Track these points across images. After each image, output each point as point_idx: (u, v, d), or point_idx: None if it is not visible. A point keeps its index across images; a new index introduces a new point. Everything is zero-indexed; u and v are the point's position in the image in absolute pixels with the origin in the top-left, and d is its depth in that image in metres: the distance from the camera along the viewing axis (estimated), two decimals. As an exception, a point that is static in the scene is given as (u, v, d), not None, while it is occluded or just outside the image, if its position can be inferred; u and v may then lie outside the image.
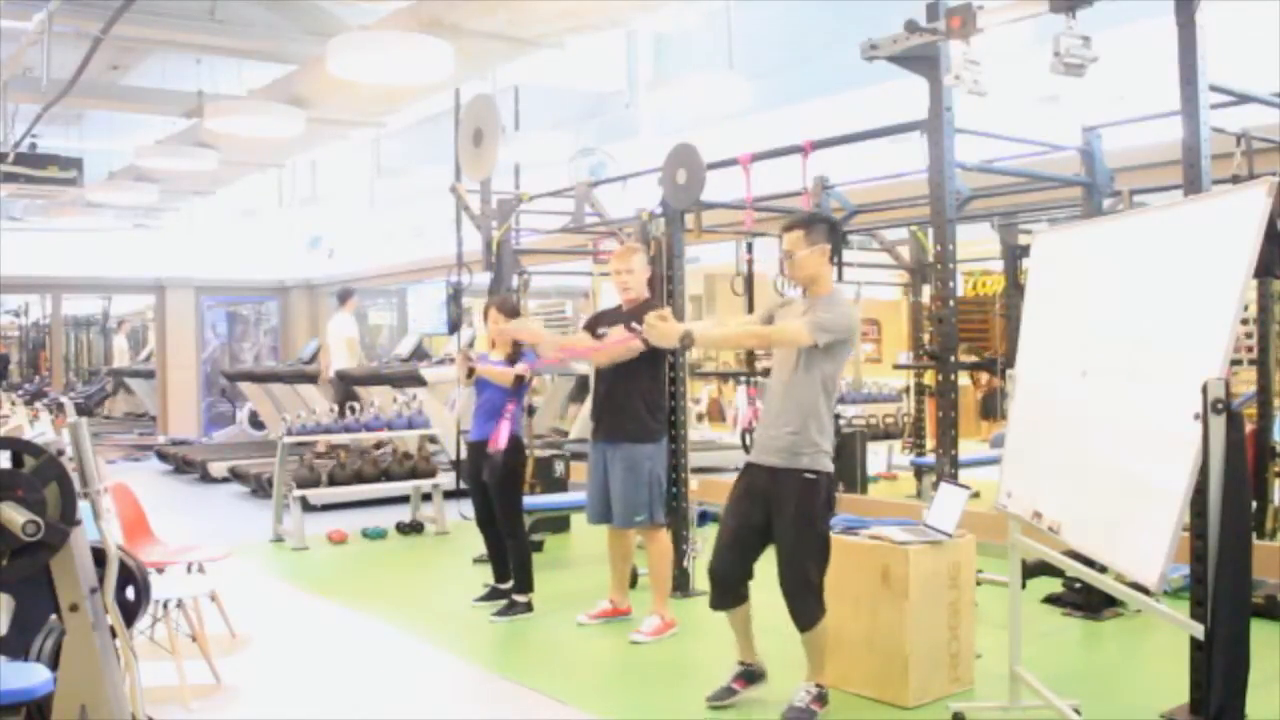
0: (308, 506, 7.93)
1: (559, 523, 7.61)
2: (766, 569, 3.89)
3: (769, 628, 4.06)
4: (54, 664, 2.74)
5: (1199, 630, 2.94)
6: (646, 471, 5.04)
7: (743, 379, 8.01)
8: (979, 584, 4.43)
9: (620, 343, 4.83)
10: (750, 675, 4.10)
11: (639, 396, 5.05)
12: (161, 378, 15.98)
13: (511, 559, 5.56)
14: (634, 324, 4.61)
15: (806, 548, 3.78)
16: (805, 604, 3.79)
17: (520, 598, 5.50)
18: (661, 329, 3.80)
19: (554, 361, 6.84)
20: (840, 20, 8.08)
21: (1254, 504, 5.45)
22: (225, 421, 15.40)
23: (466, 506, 8.04)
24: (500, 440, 5.37)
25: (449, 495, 7.92)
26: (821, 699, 3.85)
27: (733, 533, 3.93)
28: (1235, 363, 5.96)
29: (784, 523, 3.79)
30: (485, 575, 6.36)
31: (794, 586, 3.79)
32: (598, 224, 7.90)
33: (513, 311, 5.69)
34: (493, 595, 5.69)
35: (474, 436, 5.66)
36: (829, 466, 3.84)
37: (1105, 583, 3.49)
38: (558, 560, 6.99)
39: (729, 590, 3.96)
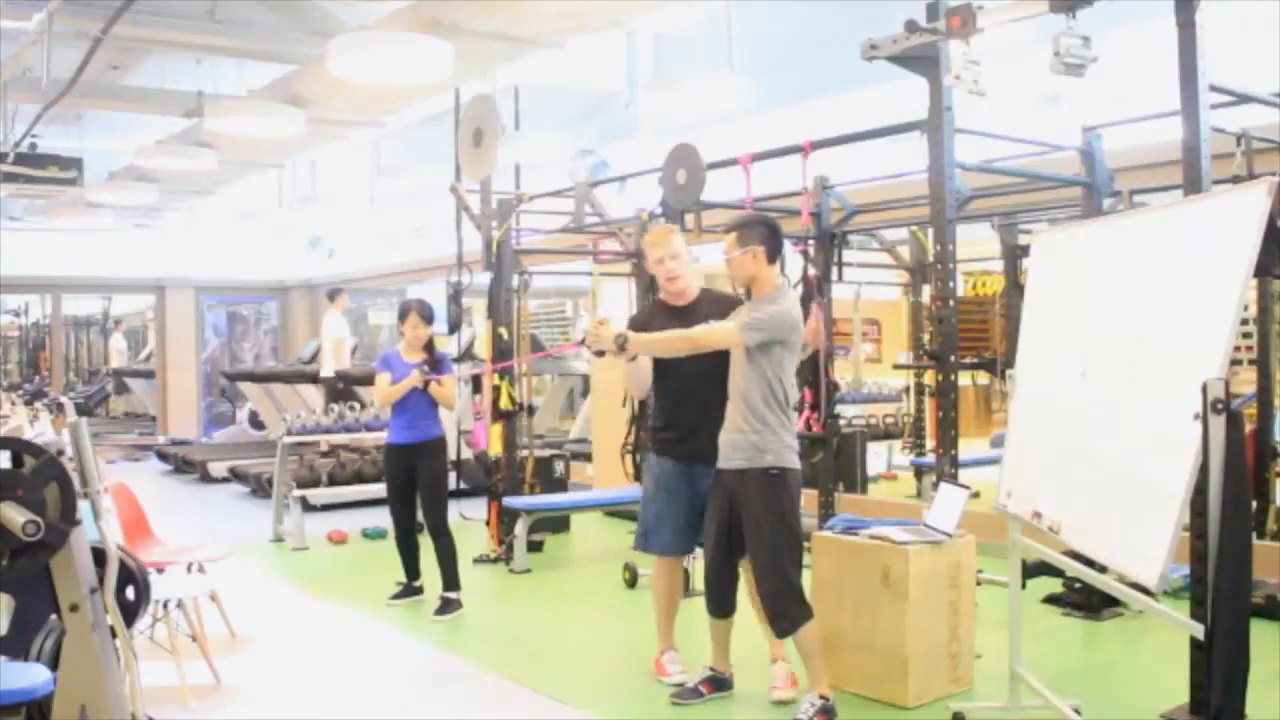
0: (308, 506, 7.94)
1: (559, 523, 7.61)
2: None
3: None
4: (54, 664, 2.74)
5: (1199, 630, 2.93)
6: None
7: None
8: (979, 584, 4.43)
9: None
10: (719, 682, 4.13)
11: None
12: (161, 378, 15.99)
13: (443, 558, 5.54)
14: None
15: (781, 546, 3.77)
16: (787, 606, 3.78)
17: (452, 595, 5.52)
18: (599, 333, 3.86)
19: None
20: (840, 20, 8.04)
21: (1254, 504, 5.45)
22: (225, 421, 15.40)
23: (466, 506, 8.09)
24: (482, 441, 5.80)
25: (448, 495, 7.90)
26: (828, 712, 3.79)
27: (716, 541, 3.94)
28: (1235, 363, 5.96)
29: (756, 522, 3.78)
30: (486, 576, 6.37)
31: (773, 588, 3.78)
32: (598, 224, 7.90)
33: (431, 317, 5.70)
34: (407, 593, 5.74)
35: (401, 440, 5.58)
36: (795, 463, 3.84)
37: (1105, 583, 3.49)
38: (557, 560, 6.99)
39: (726, 597, 4.01)
